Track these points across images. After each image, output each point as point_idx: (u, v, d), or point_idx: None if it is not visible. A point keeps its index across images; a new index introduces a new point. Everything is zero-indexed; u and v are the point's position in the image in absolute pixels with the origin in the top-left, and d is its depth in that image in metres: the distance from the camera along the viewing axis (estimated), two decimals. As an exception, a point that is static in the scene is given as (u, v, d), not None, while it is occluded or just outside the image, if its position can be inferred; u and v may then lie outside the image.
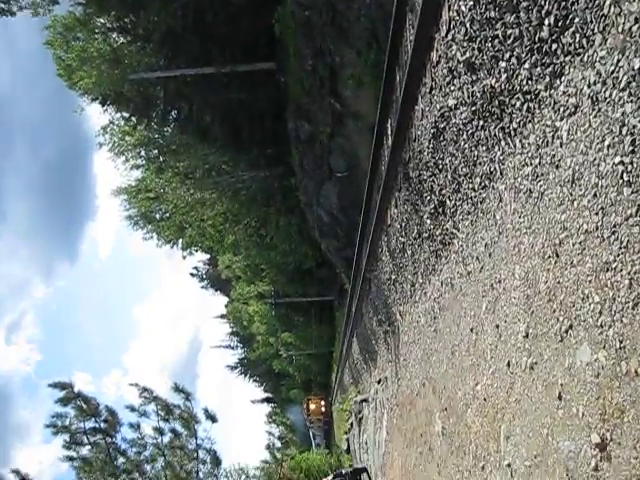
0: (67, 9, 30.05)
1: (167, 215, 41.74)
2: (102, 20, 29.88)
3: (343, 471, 22.97)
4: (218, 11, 26.18)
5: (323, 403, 67.23)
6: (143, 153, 37.69)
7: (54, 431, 15.42)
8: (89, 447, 16.03)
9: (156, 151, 37.30)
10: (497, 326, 7.81)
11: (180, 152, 34.89)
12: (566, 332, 5.68)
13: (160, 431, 16.79)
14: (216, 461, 17.71)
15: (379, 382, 20.41)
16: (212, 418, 17.24)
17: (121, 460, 16.37)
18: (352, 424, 30.04)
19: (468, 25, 7.39)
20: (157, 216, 42.94)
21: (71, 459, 15.67)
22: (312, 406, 67.21)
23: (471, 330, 9.09)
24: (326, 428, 68.57)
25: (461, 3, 7.48)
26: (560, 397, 5.76)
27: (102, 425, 15.89)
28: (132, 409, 16.60)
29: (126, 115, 34.13)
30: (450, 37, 8.08)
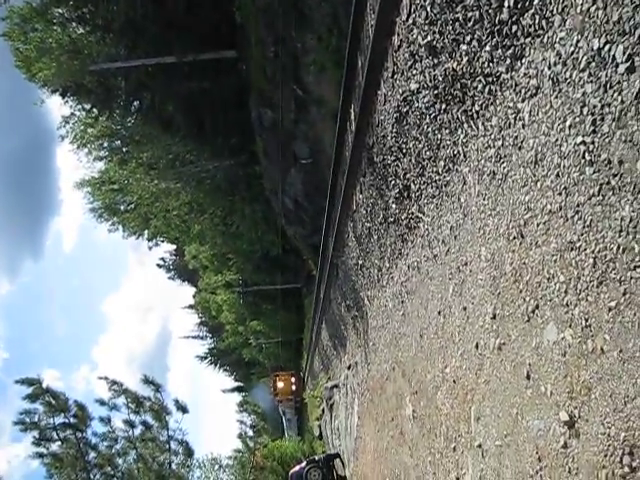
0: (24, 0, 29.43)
1: (132, 206, 41.33)
2: (60, 10, 29.28)
3: (316, 457, 23.08)
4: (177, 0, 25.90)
5: (293, 380, 62.15)
6: (106, 144, 37.19)
7: (23, 428, 15.29)
8: (59, 443, 15.93)
9: (119, 142, 36.85)
10: (464, 308, 7.86)
11: (143, 143, 34.54)
12: (533, 312, 5.73)
13: (131, 424, 16.72)
14: (188, 452, 17.71)
15: (349, 368, 20.49)
16: (183, 409, 17.21)
17: (92, 455, 16.29)
18: (324, 410, 30.14)
19: (429, 8, 7.38)
20: (122, 207, 42.47)
21: (41, 456, 15.56)
22: (280, 384, 61.91)
23: (439, 313, 9.14)
24: (298, 406, 62.83)
25: (421, -14, 7.47)
26: (528, 377, 5.82)
27: (72, 420, 15.78)
28: (102, 403, 16.51)
29: (87, 106, 33.58)
30: (411, 21, 8.06)
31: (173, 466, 17.52)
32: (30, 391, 15.21)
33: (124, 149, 37.09)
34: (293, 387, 62.21)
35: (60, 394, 15.67)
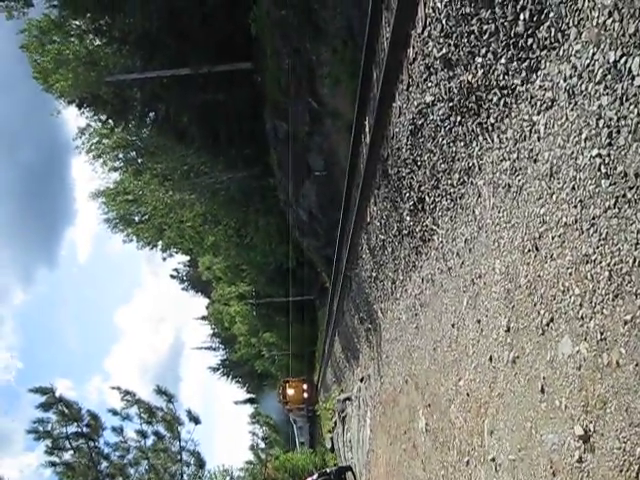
0: (42, 12, 29.79)
1: (146, 217, 41.58)
2: (77, 22, 29.65)
3: (328, 470, 22.95)
4: (194, 12, 26.09)
5: (305, 387, 55.81)
6: (121, 155, 37.50)
7: (36, 437, 15.32)
8: (72, 452, 15.96)
9: (134, 153, 37.11)
10: (478, 321, 7.83)
11: (158, 154, 34.73)
12: (547, 325, 5.71)
13: (143, 434, 16.72)
14: (200, 463, 17.68)
15: (362, 380, 20.42)
16: (195, 420, 17.20)
17: (104, 464, 16.31)
18: (336, 423, 30.02)
19: (444, 21, 7.40)
20: (136, 218, 42.74)
21: (54, 465, 15.58)
22: (290, 391, 55.80)
23: (452, 326, 9.11)
24: (310, 416, 56.93)
25: (437, 0, 7.49)
26: (543, 390, 5.78)
27: (84, 429, 15.80)
28: (114, 413, 16.52)
29: (103, 117, 33.87)
30: (426, 34, 8.08)
31: (185, 477, 17.50)
32: (43, 400, 15.26)
33: (139, 160, 37.34)
34: (305, 395, 56.09)
35: (73, 403, 15.72)
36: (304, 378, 59.08)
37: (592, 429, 4.91)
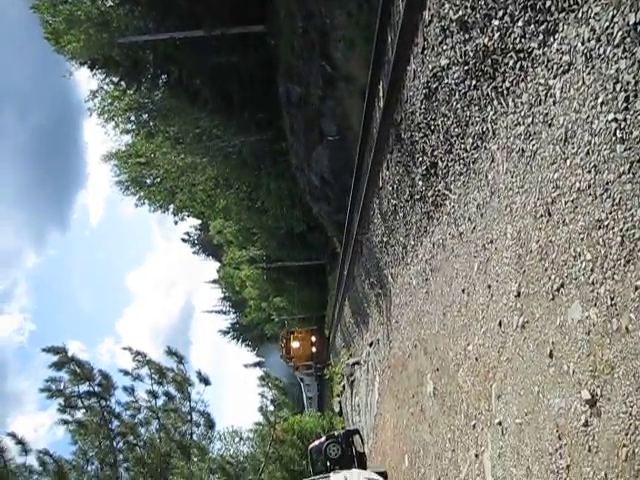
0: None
1: (158, 180, 41.55)
2: (89, -18, 29.38)
3: (336, 433, 23.19)
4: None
5: (314, 339, 51.65)
6: (133, 118, 37.36)
7: (49, 395, 15.48)
8: (84, 410, 16.13)
9: (146, 116, 36.96)
10: (489, 286, 7.84)
11: (170, 116, 34.60)
12: (557, 290, 5.71)
13: (154, 394, 16.88)
14: (210, 424, 17.84)
15: (371, 345, 20.54)
16: (205, 381, 17.32)
17: (116, 423, 16.49)
18: (344, 387, 30.29)
19: (461, -17, 7.31)
20: (148, 181, 42.72)
21: (66, 422, 15.77)
22: (295, 344, 51.64)
23: (463, 291, 9.13)
24: (319, 375, 50.79)
25: (454, -40, 7.39)
26: (551, 355, 5.81)
27: (96, 389, 15.95)
28: (126, 373, 16.67)
29: (115, 79, 33.69)
30: (443, -5, 7.99)
31: (194, 437, 17.69)
32: (56, 359, 15.41)
33: (151, 123, 37.22)
34: (313, 349, 51.71)
35: (85, 363, 15.85)
36: (312, 329, 54.23)
37: (599, 393, 4.94)
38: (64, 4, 29.34)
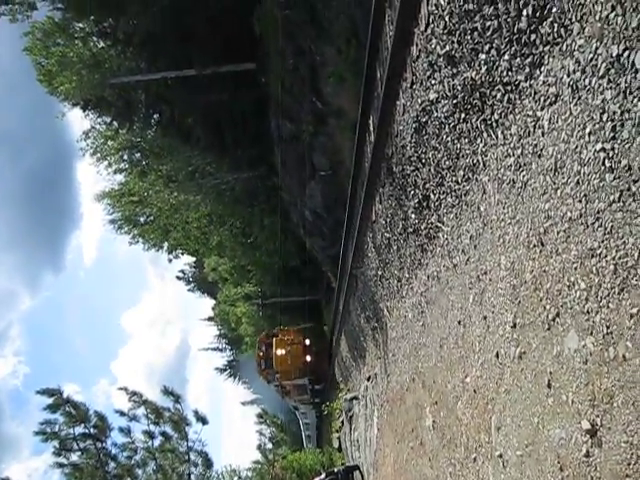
0: (46, 14, 29.87)
1: (151, 218, 41.60)
2: (81, 25, 29.74)
3: (335, 470, 22.94)
4: (198, 13, 26.11)
5: (308, 343, 38.95)
6: (126, 157, 37.56)
7: (43, 438, 15.36)
8: (79, 453, 16.00)
9: (139, 154, 37.19)
10: (485, 317, 7.84)
11: (163, 155, 34.80)
12: (553, 320, 5.71)
13: (150, 434, 16.75)
14: (208, 463, 17.71)
15: (369, 379, 20.43)
16: (203, 420, 17.22)
17: (112, 465, 16.34)
18: (343, 422, 30.03)
19: (447, 18, 7.41)
20: (141, 219, 42.76)
21: (61, 466, 15.62)
22: (279, 351, 37.49)
23: (459, 323, 9.12)
24: (316, 401, 40.68)
25: (439, -3, 7.51)
26: (549, 385, 5.79)
27: (92, 430, 15.83)
28: (122, 413, 16.56)
29: (108, 119, 33.95)
30: (429, 31, 8.10)
31: (192, 477, 17.53)
32: (51, 401, 15.30)
33: (144, 161, 37.42)
34: (308, 358, 38.07)
35: (80, 404, 15.76)
36: (306, 327, 41.90)
37: (599, 423, 4.92)
38: (56, 46, 29.64)
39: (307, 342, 38.99)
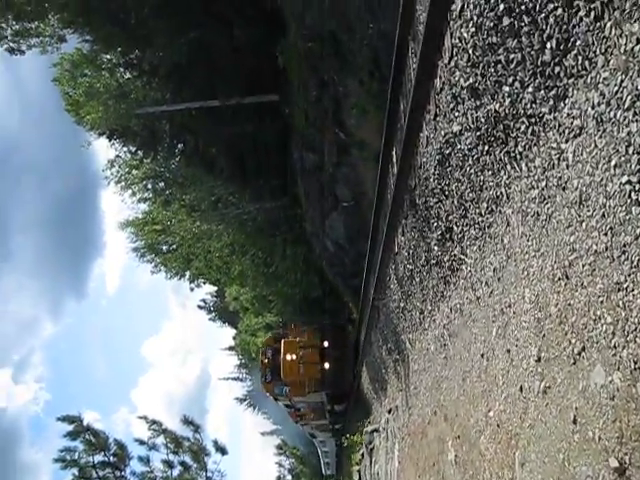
0: (74, 46, 30.52)
1: (174, 247, 41.86)
2: (109, 56, 30.34)
3: None
4: (223, 45, 26.47)
5: (326, 345, 30.81)
6: (150, 186, 37.97)
7: (62, 466, 15.36)
8: (98, 481, 15.95)
9: (163, 184, 37.58)
10: (508, 351, 7.75)
11: (186, 185, 35.14)
12: (579, 354, 5.63)
13: (169, 464, 16.68)
14: (227, 494, 17.55)
15: (390, 411, 20.25)
16: (222, 450, 17.13)
17: (131, 494, 16.27)
18: (363, 455, 29.73)
19: (471, 51, 7.44)
20: (164, 248, 43.04)
21: (80, 494, 15.58)
22: (289, 356, 30.32)
23: (482, 356, 9.02)
24: (337, 426, 35.47)
25: (463, 30, 7.54)
26: (575, 421, 5.69)
27: (111, 459, 15.81)
28: (141, 442, 16.53)
29: (133, 149, 34.44)
30: (453, 63, 8.13)
31: (211, 508, 17.39)
32: (71, 429, 15.32)
33: (167, 191, 37.78)
34: (326, 365, 30.23)
35: (100, 432, 15.75)
36: (325, 325, 33.52)
37: (628, 461, 4.81)
38: (84, 77, 30.24)
39: (325, 344, 30.13)
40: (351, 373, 30.00)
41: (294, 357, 29.97)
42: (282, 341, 31.58)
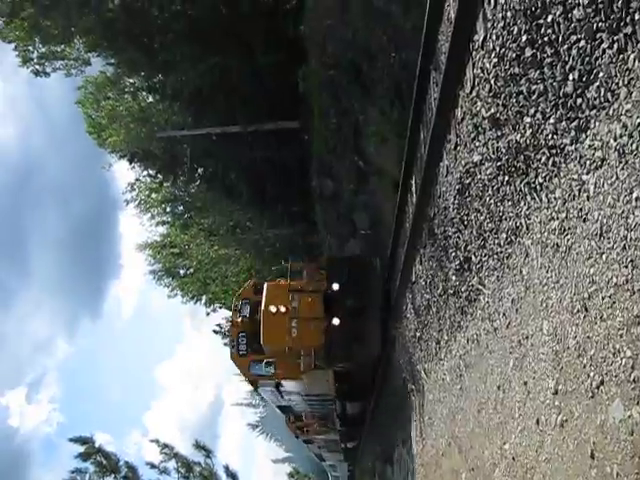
0: (98, 70, 31.01)
1: (191, 271, 42.03)
2: (132, 80, 30.78)
3: None
4: (244, 70, 26.78)
5: (336, 287, 18.47)
6: (169, 209, 38.29)
7: (73, 487, 15.33)
8: (108, 505, 15.92)
9: (182, 208, 37.88)
10: (525, 383, 7.67)
11: (205, 209, 35.40)
12: (597, 388, 5.57)
13: (181, 489, 16.61)
14: (237, 521, 17.44)
15: (403, 442, 20.06)
16: (233, 476, 17.11)
17: (140, 518, 16.20)
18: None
19: (492, 82, 7.47)
20: (181, 272, 43.23)
21: (90, 517, 15.54)
22: (272, 308, 18.45)
23: (498, 387, 8.93)
24: (350, 444, 28.76)
25: (485, 61, 7.58)
26: (593, 456, 5.61)
27: (122, 482, 15.77)
28: (152, 466, 16.56)
29: (153, 172, 34.78)
30: (474, 94, 8.16)
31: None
32: (83, 450, 15.34)
33: (186, 214, 38.05)
34: (334, 321, 17.84)
35: (112, 454, 15.79)
36: (329, 260, 21.90)
37: (645, 498, 4.74)
38: (107, 100, 30.67)
39: (335, 286, 18.63)
40: (378, 338, 19.21)
41: (283, 309, 18.50)
42: (262, 291, 19.99)
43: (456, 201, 9.82)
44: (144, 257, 43.17)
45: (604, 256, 5.47)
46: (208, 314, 53.37)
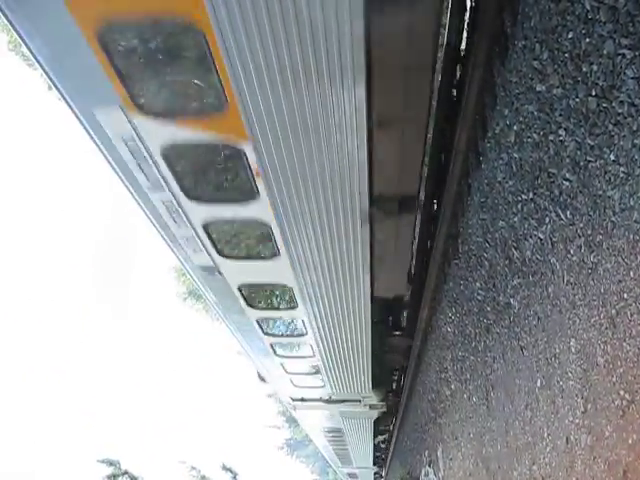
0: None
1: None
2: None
3: None
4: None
5: None
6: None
7: (98, 509, 15.33)
8: (133, 527, 15.89)
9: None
10: (553, 402, 7.59)
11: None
12: (628, 407, 5.49)
13: (207, 511, 16.57)
14: None
15: (429, 464, 19.88)
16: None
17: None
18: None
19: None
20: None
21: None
22: None
23: (526, 407, 8.84)
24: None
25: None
26: (626, 476, 5.52)
27: (148, 504, 15.74)
28: (180, 488, 16.47)
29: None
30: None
31: None
32: (109, 472, 15.32)
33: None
34: None
35: (138, 477, 15.72)
36: None
37: (679, 519, 4.65)
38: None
39: None
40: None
41: None
42: None
43: (481, 218, 9.81)
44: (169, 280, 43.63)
45: (631, 272, 5.42)
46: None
